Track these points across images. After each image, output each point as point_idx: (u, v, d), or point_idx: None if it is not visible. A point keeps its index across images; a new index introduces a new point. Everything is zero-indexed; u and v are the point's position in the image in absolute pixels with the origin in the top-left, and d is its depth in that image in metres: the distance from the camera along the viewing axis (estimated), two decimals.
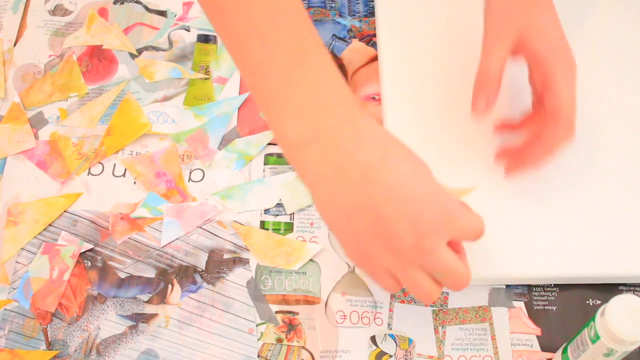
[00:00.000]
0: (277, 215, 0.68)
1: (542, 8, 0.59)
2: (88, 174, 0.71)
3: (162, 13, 0.81)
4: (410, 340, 0.62)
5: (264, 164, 0.71)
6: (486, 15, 0.61)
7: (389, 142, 0.49)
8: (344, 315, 0.63)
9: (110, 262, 0.66)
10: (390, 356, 0.62)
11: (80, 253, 0.66)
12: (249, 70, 0.48)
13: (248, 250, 0.67)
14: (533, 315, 0.63)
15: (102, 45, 0.78)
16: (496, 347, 0.62)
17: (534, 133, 0.61)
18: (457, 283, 0.52)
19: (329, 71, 0.48)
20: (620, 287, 0.64)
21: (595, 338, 0.51)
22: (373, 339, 0.63)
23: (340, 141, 0.47)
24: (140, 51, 0.78)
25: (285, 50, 0.46)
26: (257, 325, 0.63)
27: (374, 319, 0.63)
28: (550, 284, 0.64)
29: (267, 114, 0.49)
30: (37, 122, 0.74)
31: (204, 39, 0.79)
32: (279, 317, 0.64)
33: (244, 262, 0.66)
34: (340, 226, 0.50)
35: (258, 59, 0.47)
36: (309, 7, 0.81)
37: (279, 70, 0.47)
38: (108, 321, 0.64)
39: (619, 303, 0.50)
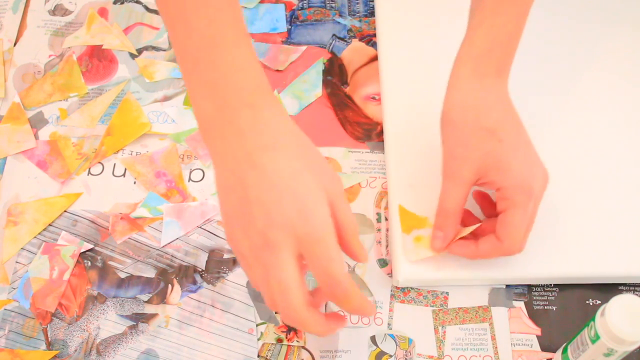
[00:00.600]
0: None
1: (500, 136, 0.56)
2: (88, 174, 0.71)
3: None
4: (410, 340, 0.62)
5: None
6: (443, 148, 0.59)
7: (284, 134, 0.50)
8: (344, 316, 0.63)
9: (110, 262, 0.66)
10: (390, 356, 0.62)
11: (80, 253, 0.66)
12: (177, 51, 0.51)
13: None
14: (533, 315, 0.63)
15: (102, 45, 0.78)
16: (496, 347, 0.62)
17: (484, 228, 0.60)
18: (282, 303, 0.49)
19: (242, 57, 0.50)
20: (620, 287, 0.64)
21: (595, 338, 0.51)
22: (373, 339, 0.63)
23: (237, 123, 0.49)
24: (140, 51, 0.78)
25: (202, 34, 0.49)
26: (257, 325, 0.63)
27: (374, 319, 0.63)
28: (550, 284, 0.64)
29: (188, 91, 0.52)
30: (37, 122, 0.74)
31: None
32: (279, 317, 0.63)
33: None
34: (222, 202, 0.51)
35: (182, 41, 0.50)
36: (309, 7, 0.81)
37: (195, 51, 0.50)
38: (108, 321, 0.64)
39: (619, 303, 0.50)
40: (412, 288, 0.64)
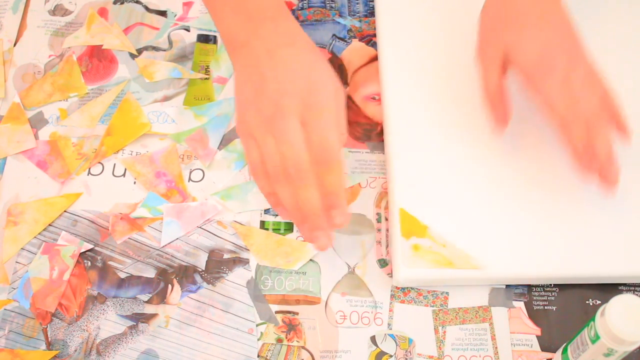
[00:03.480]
0: (277, 215, 0.68)
1: (523, 24, 0.62)
2: (88, 174, 0.71)
3: (162, 13, 0.81)
4: (410, 340, 0.62)
5: None
6: (479, 36, 0.65)
7: (301, 38, 0.59)
8: (344, 315, 0.63)
9: (110, 262, 0.66)
10: (390, 356, 0.62)
11: (80, 253, 0.66)
12: None
13: (248, 250, 0.67)
14: (533, 315, 0.63)
15: (102, 45, 0.78)
16: (496, 347, 0.62)
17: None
18: (291, 161, 0.55)
19: None
20: (620, 287, 0.64)
21: (595, 338, 0.51)
22: (373, 339, 0.63)
23: (260, 32, 0.58)
24: (140, 51, 0.78)
25: None
26: (257, 325, 0.63)
27: (374, 319, 0.63)
28: (550, 284, 0.64)
29: (212, 15, 0.62)
30: (37, 122, 0.74)
31: (204, 39, 0.79)
32: (279, 317, 0.64)
33: (244, 262, 0.66)
34: (240, 97, 0.59)
35: None
36: (309, 7, 0.81)
37: None
38: (108, 321, 0.64)
39: (619, 303, 0.50)
40: (412, 288, 0.64)
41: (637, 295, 0.55)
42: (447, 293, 0.64)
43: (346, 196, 0.59)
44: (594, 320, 0.52)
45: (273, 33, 0.58)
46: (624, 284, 0.64)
